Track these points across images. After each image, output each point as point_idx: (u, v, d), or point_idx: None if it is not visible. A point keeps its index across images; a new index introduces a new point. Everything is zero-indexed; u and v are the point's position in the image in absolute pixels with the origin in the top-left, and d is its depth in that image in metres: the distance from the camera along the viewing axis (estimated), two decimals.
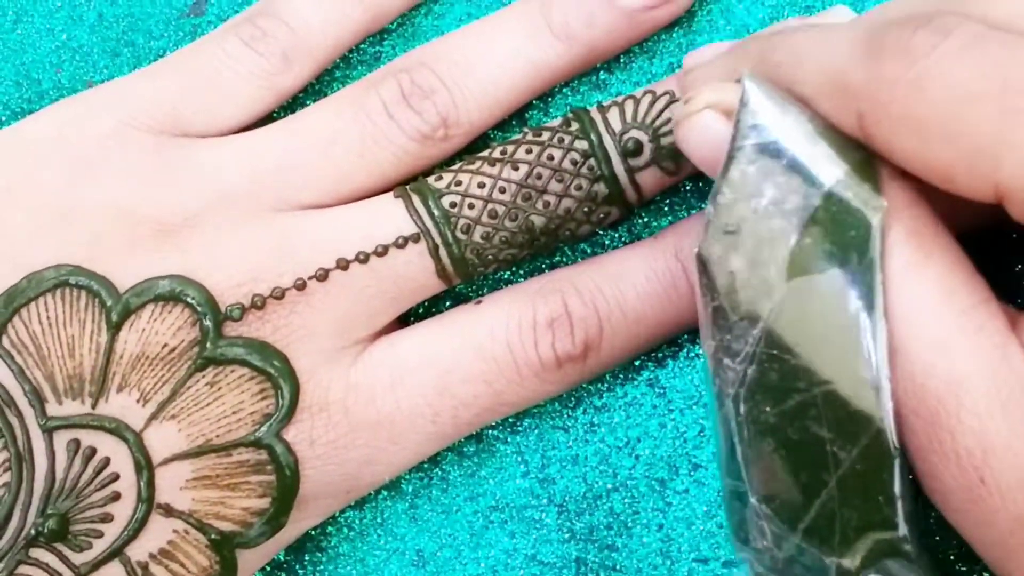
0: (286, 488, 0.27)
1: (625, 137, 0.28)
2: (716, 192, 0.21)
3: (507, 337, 0.28)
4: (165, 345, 0.26)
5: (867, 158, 0.21)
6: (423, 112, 0.28)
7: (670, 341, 0.30)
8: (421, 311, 0.31)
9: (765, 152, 0.21)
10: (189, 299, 0.27)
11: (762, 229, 0.21)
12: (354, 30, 0.31)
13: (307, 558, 0.30)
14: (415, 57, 0.29)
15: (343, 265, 0.27)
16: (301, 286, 0.27)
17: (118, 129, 0.28)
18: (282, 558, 0.30)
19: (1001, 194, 0.19)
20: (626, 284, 0.28)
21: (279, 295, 0.27)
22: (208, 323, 0.27)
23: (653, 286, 0.28)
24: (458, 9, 0.32)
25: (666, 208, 0.31)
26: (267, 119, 0.30)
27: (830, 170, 0.21)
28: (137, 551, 0.26)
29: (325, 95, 0.31)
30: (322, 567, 0.30)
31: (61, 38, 0.34)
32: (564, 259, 0.31)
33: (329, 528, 0.30)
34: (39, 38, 0.34)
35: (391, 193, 0.28)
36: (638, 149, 0.28)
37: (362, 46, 0.32)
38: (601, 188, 0.28)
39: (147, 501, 0.26)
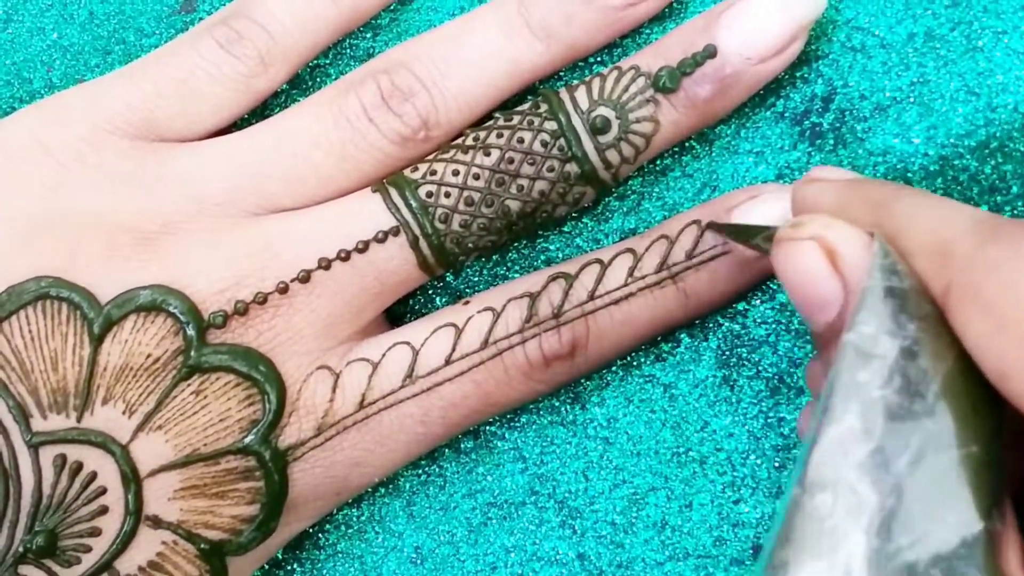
0: (275, 493, 0.27)
1: (593, 115, 0.27)
2: (855, 323, 0.20)
3: (495, 338, 0.27)
4: (149, 355, 0.26)
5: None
6: (403, 115, 0.28)
7: (667, 337, 0.29)
8: (418, 307, 0.31)
9: (897, 296, 0.20)
10: (171, 308, 0.26)
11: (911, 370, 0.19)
12: (329, 31, 0.30)
13: (305, 556, 0.30)
14: (393, 57, 0.29)
15: (325, 265, 0.27)
16: (284, 289, 0.27)
17: (94, 134, 0.28)
18: (280, 556, 0.30)
19: None
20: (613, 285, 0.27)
21: (262, 300, 0.27)
22: (191, 331, 0.26)
23: (639, 286, 0.27)
24: (450, 4, 0.31)
25: (655, 195, 0.30)
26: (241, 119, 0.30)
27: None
28: (126, 564, 0.26)
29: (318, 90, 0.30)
30: (320, 565, 0.30)
31: (52, 37, 0.34)
32: (558, 250, 0.30)
33: (327, 526, 0.30)
34: (30, 37, 0.34)
35: (369, 188, 0.28)
36: (605, 126, 0.27)
37: (354, 42, 0.32)
38: (573, 168, 0.27)
39: (135, 514, 0.26)
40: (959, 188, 0.28)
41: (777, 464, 0.28)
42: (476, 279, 0.30)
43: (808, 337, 0.28)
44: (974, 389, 0.19)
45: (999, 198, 0.27)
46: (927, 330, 0.20)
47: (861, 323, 0.19)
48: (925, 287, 0.20)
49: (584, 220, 0.30)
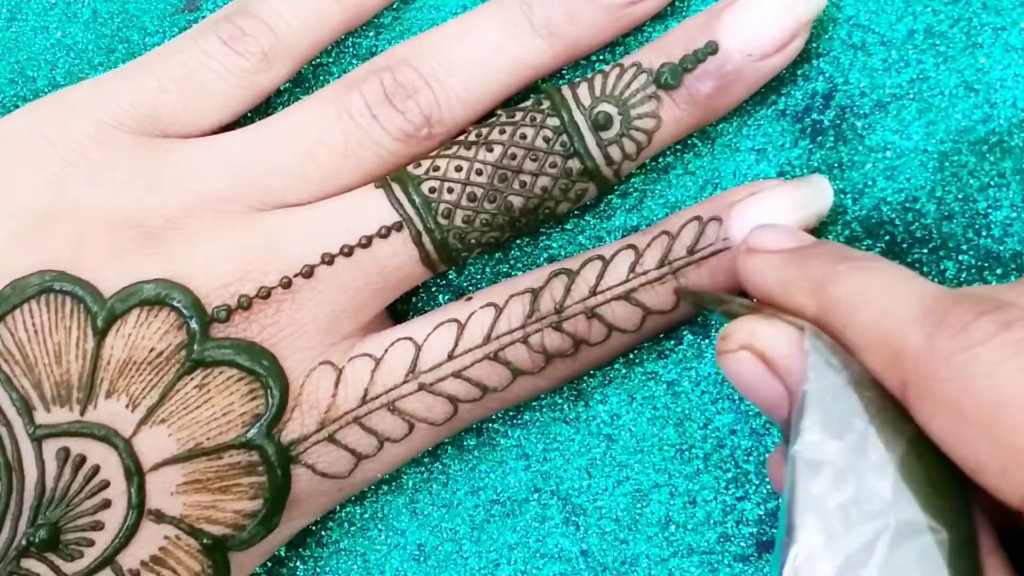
0: (278, 488, 0.27)
1: (595, 111, 0.27)
2: (799, 432, 0.19)
3: (497, 333, 0.27)
4: (152, 349, 0.26)
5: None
6: (406, 112, 0.28)
7: (670, 334, 0.29)
8: (420, 304, 0.31)
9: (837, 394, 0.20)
10: (175, 302, 0.26)
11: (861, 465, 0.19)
12: (332, 28, 0.30)
13: (308, 553, 0.30)
14: (397, 54, 0.29)
15: (328, 260, 0.27)
16: (287, 284, 0.27)
17: (98, 129, 0.28)
18: (283, 554, 0.30)
19: None
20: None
21: (265, 294, 0.27)
22: (195, 326, 0.26)
23: (640, 281, 0.27)
24: (453, 3, 0.31)
25: (658, 193, 0.30)
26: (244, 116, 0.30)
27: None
28: (128, 559, 0.26)
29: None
30: (323, 562, 0.30)
31: (56, 35, 0.34)
32: (561, 247, 0.30)
33: (330, 523, 0.30)
34: (34, 36, 0.34)
35: (372, 184, 0.28)
36: (608, 122, 0.27)
37: (357, 40, 0.32)
38: (575, 164, 0.28)
39: (138, 508, 0.26)
40: (958, 184, 0.28)
41: None
42: (479, 276, 0.30)
43: None
44: (934, 468, 0.19)
45: (997, 194, 0.28)
46: (874, 421, 0.19)
47: (805, 431, 0.19)
48: (868, 374, 0.20)
49: (586, 217, 0.30)
